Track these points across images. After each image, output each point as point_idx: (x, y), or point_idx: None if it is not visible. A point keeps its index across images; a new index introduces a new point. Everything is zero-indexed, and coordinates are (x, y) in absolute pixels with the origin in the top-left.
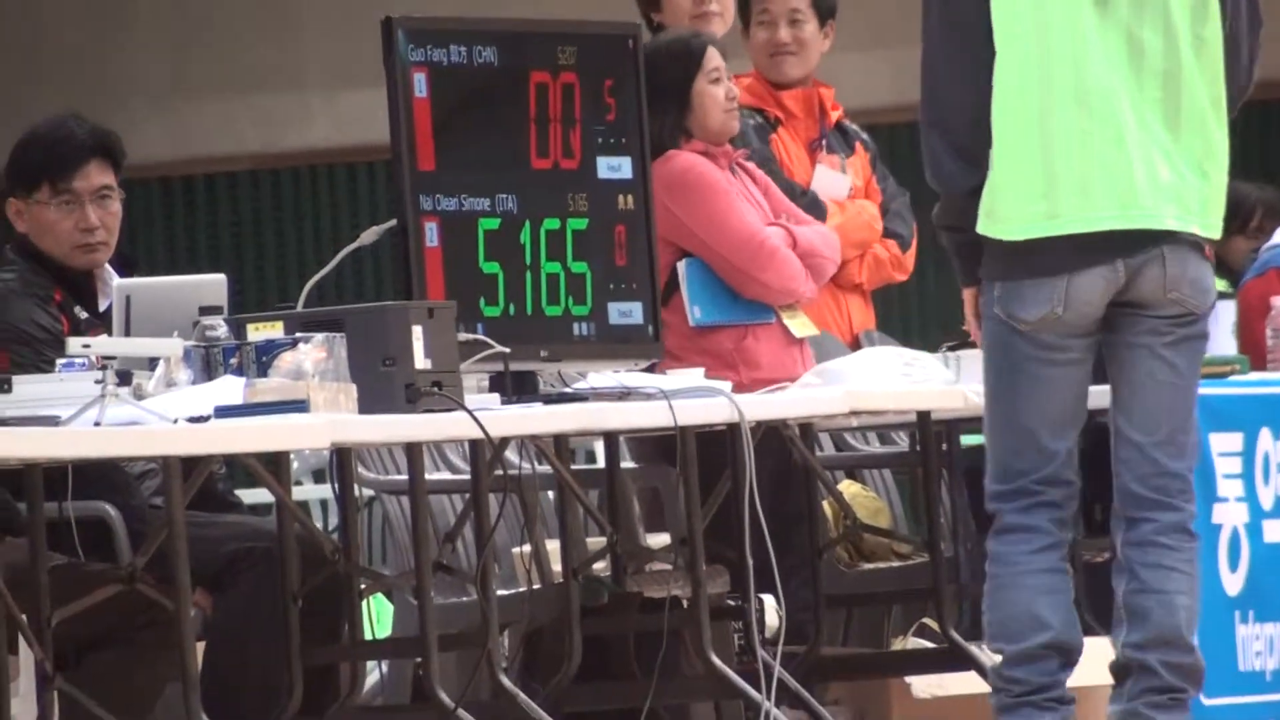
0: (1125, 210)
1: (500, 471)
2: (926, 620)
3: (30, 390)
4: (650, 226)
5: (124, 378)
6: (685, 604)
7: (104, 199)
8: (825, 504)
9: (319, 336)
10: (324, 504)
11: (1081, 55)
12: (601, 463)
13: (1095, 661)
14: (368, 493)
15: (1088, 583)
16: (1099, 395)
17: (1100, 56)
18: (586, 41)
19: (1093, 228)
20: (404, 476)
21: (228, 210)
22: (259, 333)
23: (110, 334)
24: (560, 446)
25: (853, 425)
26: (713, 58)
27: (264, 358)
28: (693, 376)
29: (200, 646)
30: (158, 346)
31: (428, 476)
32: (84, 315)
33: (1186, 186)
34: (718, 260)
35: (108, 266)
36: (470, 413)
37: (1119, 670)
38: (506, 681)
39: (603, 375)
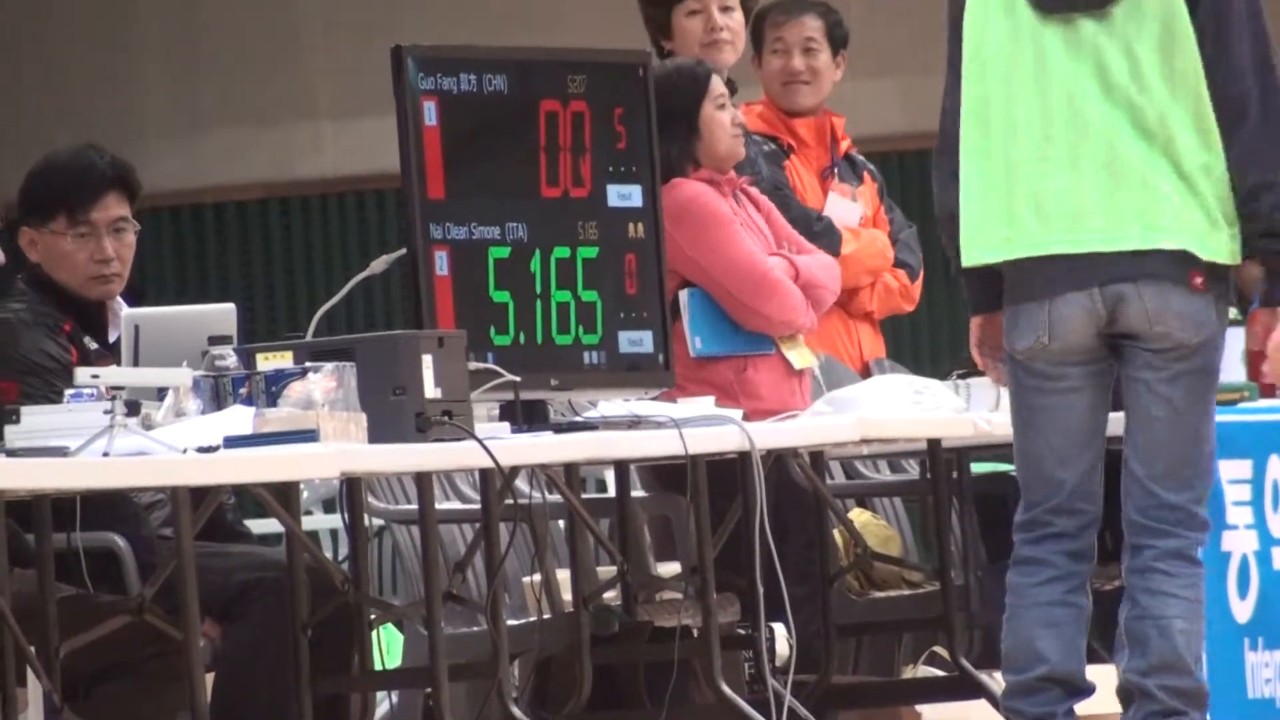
0: (1074, 235)
1: (511, 501)
2: (937, 649)
3: (39, 421)
4: (660, 255)
5: (132, 408)
6: (696, 633)
7: (119, 231)
8: (836, 532)
9: (329, 366)
10: (334, 534)
11: (1044, 85)
12: (612, 491)
13: (1104, 688)
14: (378, 522)
15: (1097, 610)
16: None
17: (1063, 86)
18: (596, 70)
19: (1043, 251)
20: (414, 506)
21: (237, 239)
22: (268, 362)
23: (120, 365)
24: (571, 475)
25: (863, 453)
26: (717, 84)
27: (273, 387)
28: (703, 405)
29: (209, 677)
30: (166, 376)
31: (438, 506)
32: (94, 346)
33: (1158, 206)
34: (719, 291)
35: (118, 298)
36: (480, 442)
37: (1123, 696)
38: (517, 711)
39: (613, 404)
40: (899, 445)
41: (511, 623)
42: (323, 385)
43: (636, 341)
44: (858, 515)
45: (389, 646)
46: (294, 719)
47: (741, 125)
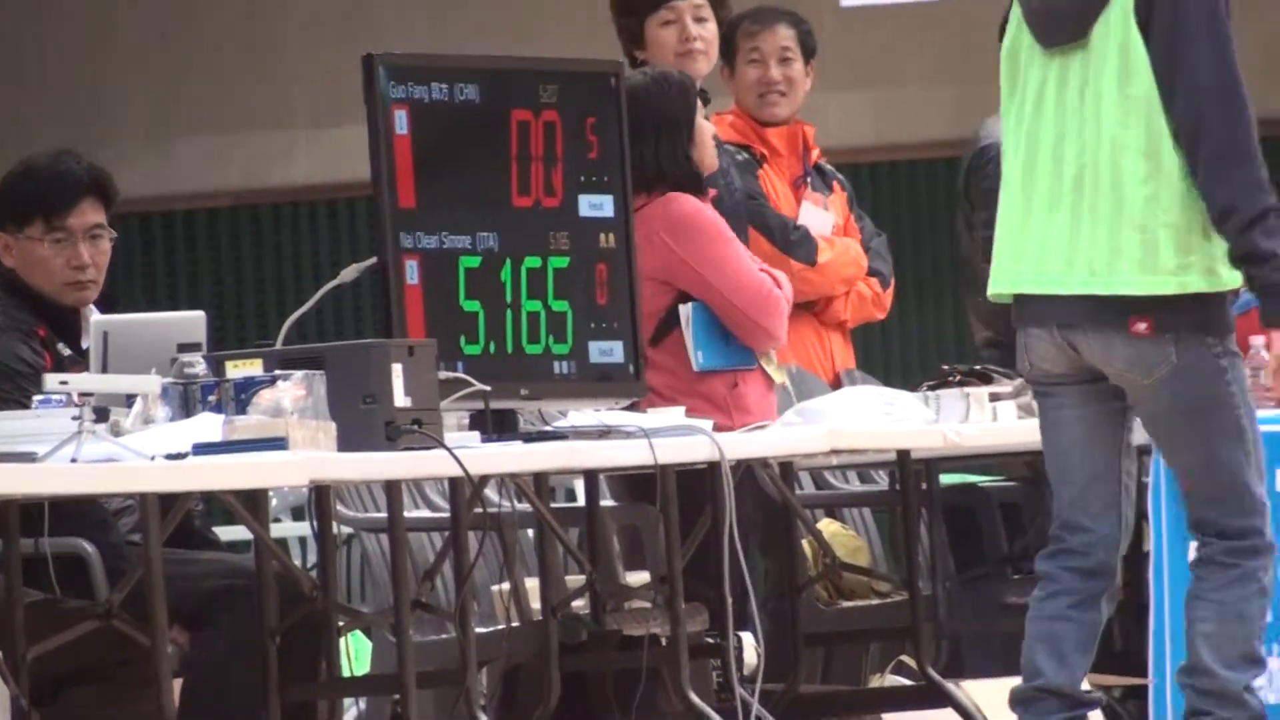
0: (1037, 275)
1: (480, 509)
2: (905, 658)
3: (7, 426)
4: (632, 265)
5: (101, 414)
6: (664, 642)
7: (95, 238)
8: (805, 542)
9: (298, 374)
10: (303, 541)
11: (1038, 122)
12: (581, 501)
13: None
14: (346, 530)
15: None
16: None
17: (1051, 124)
18: (568, 80)
19: (1014, 289)
20: (383, 514)
21: (208, 247)
22: (238, 370)
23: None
24: (540, 485)
25: (832, 464)
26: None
27: (243, 395)
28: (673, 415)
29: (177, 683)
30: (135, 383)
31: (407, 514)
32: (67, 352)
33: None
34: (725, 306)
35: (91, 304)
36: (450, 450)
37: None
38: (485, 719)
39: (583, 414)
40: (868, 456)
41: (480, 631)
42: (292, 393)
43: (607, 351)
44: (827, 526)
45: (357, 654)
46: None
47: (714, 135)
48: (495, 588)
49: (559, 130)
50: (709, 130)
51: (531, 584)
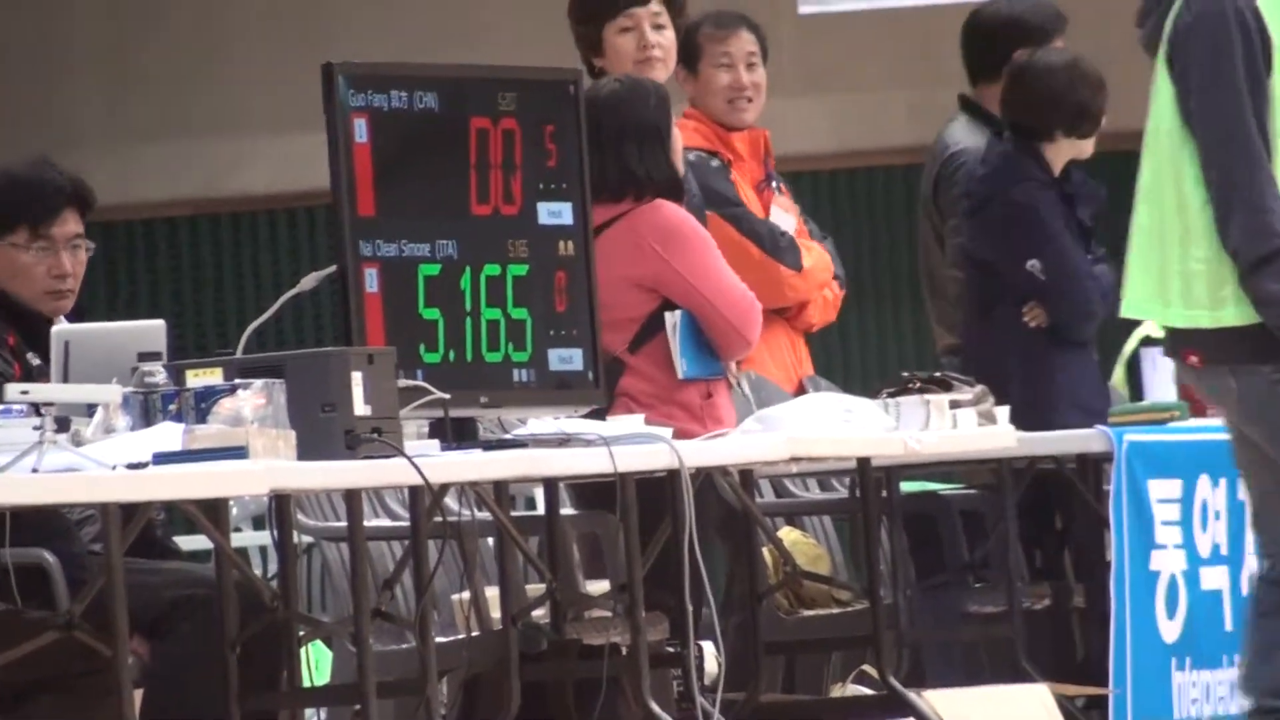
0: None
1: (440, 518)
2: (866, 667)
3: None
4: (591, 273)
5: (62, 424)
6: (624, 651)
7: (75, 247)
8: (765, 550)
9: (258, 383)
10: (263, 550)
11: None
12: (541, 509)
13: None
14: (307, 539)
15: (1028, 630)
16: (1039, 443)
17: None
18: (527, 87)
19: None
20: (343, 523)
21: (167, 256)
22: (198, 379)
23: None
24: (500, 493)
25: (793, 471)
26: None
27: (203, 404)
28: (633, 423)
29: (139, 693)
30: (96, 393)
31: (367, 523)
32: (36, 361)
33: (1169, 284)
34: (711, 315)
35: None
36: (410, 459)
37: None
38: None
39: (543, 422)
40: (828, 464)
41: (440, 640)
42: (252, 402)
43: (566, 359)
44: (787, 534)
45: (318, 663)
46: None
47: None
48: (455, 597)
49: (518, 138)
50: (680, 138)
51: (492, 593)
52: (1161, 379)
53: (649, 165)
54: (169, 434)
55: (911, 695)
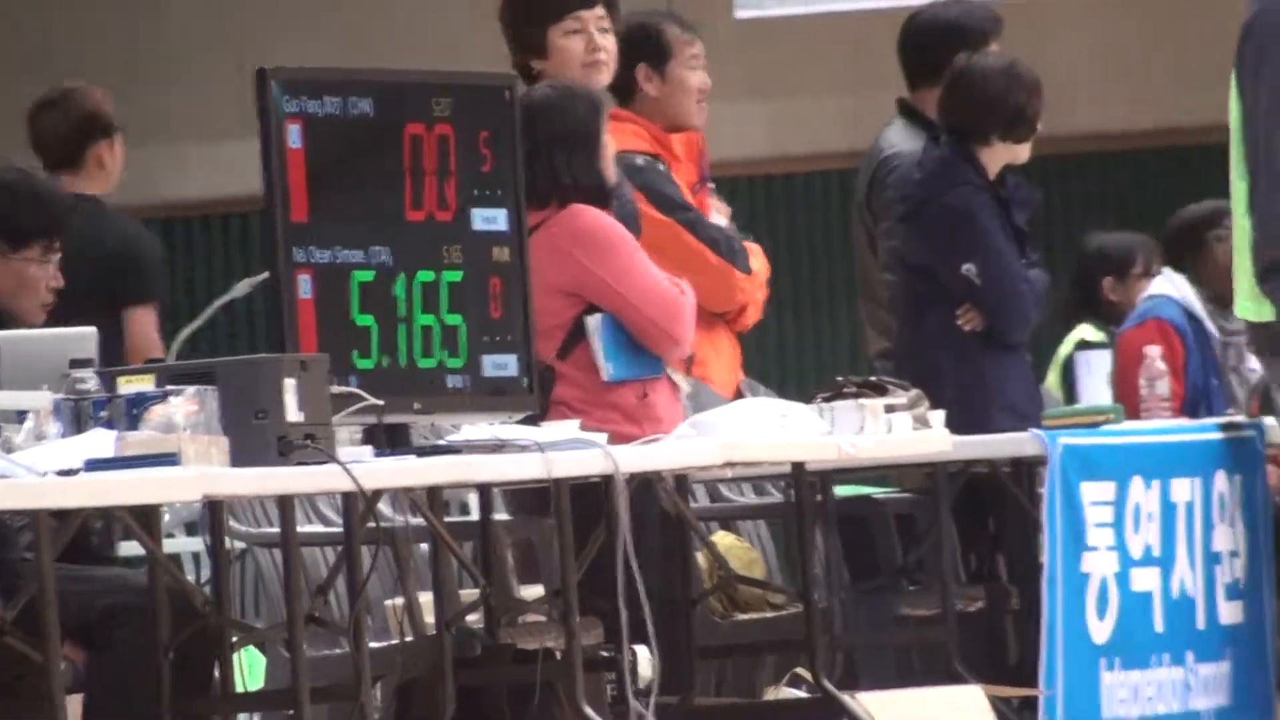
0: None
1: (373, 524)
2: (799, 670)
3: None
4: (526, 279)
5: None
6: (559, 655)
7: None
8: (699, 555)
9: (190, 389)
10: (196, 556)
11: None
12: (476, 515)
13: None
14: (240, 545)
15: (962, 632)
16: (973, 446)
17: None
18: (462, 93)
19: None
20: (276, 529)
21: None
22: (130, 385)
23: None
24: (434, 499)
25: (727, 476)
26: None
27: (135, 410)
28: (568, 428)
29: (76, 699)
30: (27, 399)
31: (300, 529)
32: None
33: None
34: (635, 316)
35: None
36: (343, 465)
37: None
38: None
39: (477, 428)
40: (763, 468)
41: (374, 645)
42: (184, 409)
43: (501, 365)
44: (721, 538)
45: (251, 669)
46: None
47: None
48: (389, 602)
49: (452, 143)
50: (612, 145)
51: (426, 598)
52: (1095, 382)
53: (576, 172)
54: (101, 440)
55: (845, 698)
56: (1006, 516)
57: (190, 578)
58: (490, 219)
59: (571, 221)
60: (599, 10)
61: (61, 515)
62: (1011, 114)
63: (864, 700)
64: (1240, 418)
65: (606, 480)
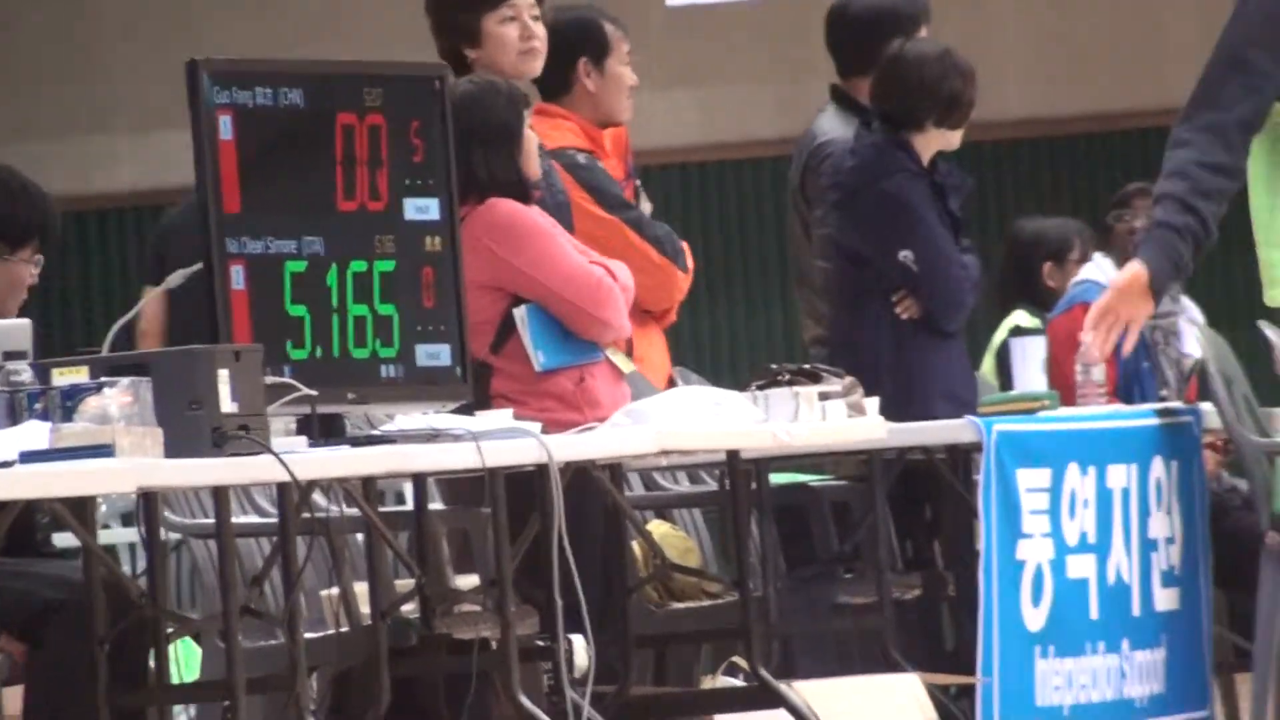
0: None
1: (308, 514)
2: (736, 659)
3: None
4: (458, 268)
5: None
6: (494, 645)
7: None
8: (635, 544)
9: (125, 381)
10: (132, 548)
11: None
12: (411, 505)
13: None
14: (175, 536)
15: (899, 620)
16: (909, 434)
17: None
18: (393, 83)
19: None
20: (211, 520)
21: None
22: (64, 377)
23: None
24: (368, 489)
25: (662, 465)
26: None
27: (69, 402)
28: (502, 417)
29: (16, 691)
30: None
31: (235, 520)
32: None
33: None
34: (557, 302)
35: None
36: (277, 456)
37: None
38: None
39: (411, 417)
40: (698, 457)
41: (309, 636)
42: (118, 400)
43: (434, 355)
44: (656, 527)
45: (187, 660)
46: None
47: (540, 145)
48: (325, 593)
49: (384, 133)
50: (534, 139)
51: (361, 588)
52: (1030, 368)
53: (495, 168)
54: (35, 432)
55: (782, 686)
56: (943, 504)
57: (126, 569)
58: (423, 209)
59: (486, 215)
60: None
61: None
62: (948, 100)
63: (801, 689)
64: (1178, 404)
65: (541, 469)
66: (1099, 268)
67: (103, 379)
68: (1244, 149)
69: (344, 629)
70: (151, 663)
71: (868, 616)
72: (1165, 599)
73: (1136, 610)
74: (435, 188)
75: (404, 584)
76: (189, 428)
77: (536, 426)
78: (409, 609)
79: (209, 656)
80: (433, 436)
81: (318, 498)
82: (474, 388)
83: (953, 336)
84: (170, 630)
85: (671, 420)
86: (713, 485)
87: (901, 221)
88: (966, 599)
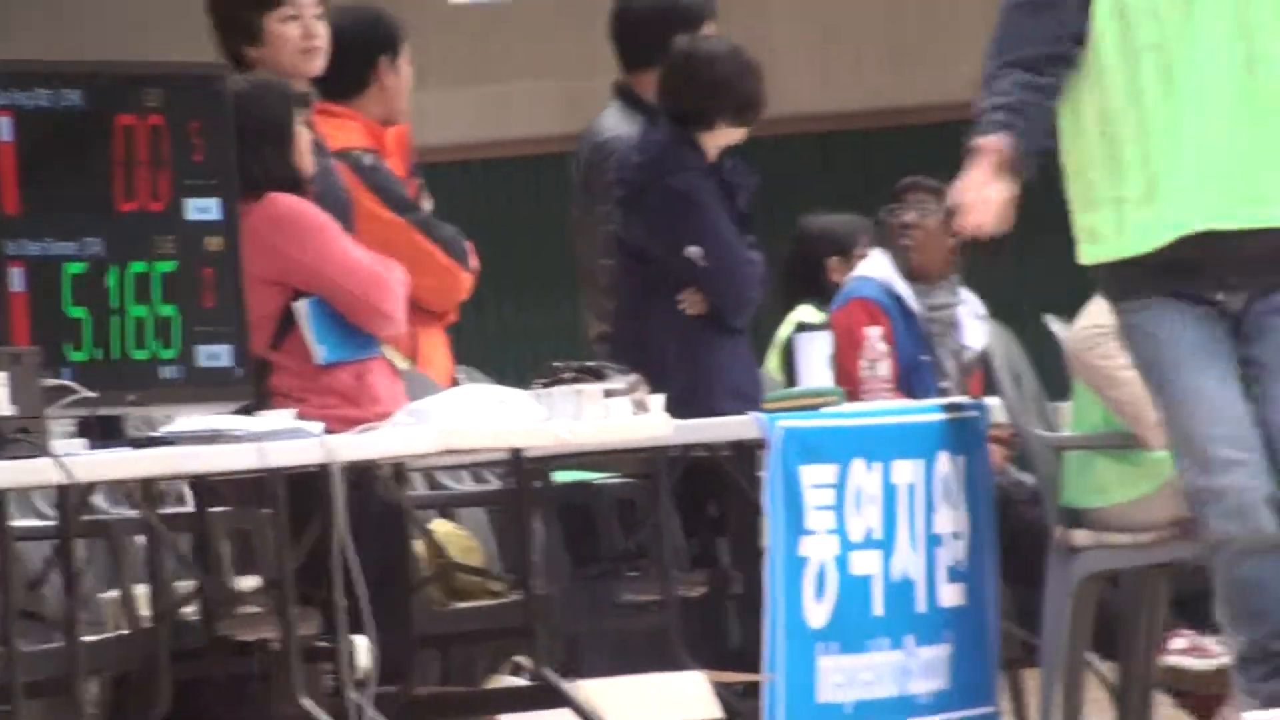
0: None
1: (89, 517)
2: (520, 658)
3: None
4: (239, 268)
5: None
6: (276, 646)
7: None
8: (418, 543)
9: None
10: None
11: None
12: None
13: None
14: None
15: (685, 618)
16: (693, 430)
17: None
18: (173, 83)
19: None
20: None
21: None
22: None
23: None
24: (149, 491)
25: (445, 464)
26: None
27: None
28: (284, 417)
29: None
30: None
31: (15, 523)
32: None
33: None
34: (340, 295)
35: None
36: (55, 458)
37: None
38: None
39: (193, 419)
40: (481, 455)
41: (89, 639)
42: None
43: (215, 355)
44: (440, 526)
45: None
46: None
47: (315, 141)
48: (105, 595)
49: (164, 134)
50: (307, 135)
51: (142, 591)
52: (815, 364)
53: (268, 164)
54: None
55: (566, 686)
56: (728, 501)
57: None
58: (203, 209)
59: (268, 210)
60: None
61: None
62: (741, 99)
63: (585, 688)
64: (964, 399)
65: (323, 469)
66: (873, 262)
67: None
68: (1058, 80)
69: (124, 631)
70: None
71: (653, 615)
72: (951, 594)
73: (922, 606)
74: (216, 188)
75: (186, 586)
76: None
77: (319, 427)
78: (190, 611)
79: None
80: (213, 438)
81: (100, 500)
82: (253, 385)
83: (738, 333)
84: None
85: (455, 419)
86: (496, 484)
87: (691, 218)
88: (752, 597)
